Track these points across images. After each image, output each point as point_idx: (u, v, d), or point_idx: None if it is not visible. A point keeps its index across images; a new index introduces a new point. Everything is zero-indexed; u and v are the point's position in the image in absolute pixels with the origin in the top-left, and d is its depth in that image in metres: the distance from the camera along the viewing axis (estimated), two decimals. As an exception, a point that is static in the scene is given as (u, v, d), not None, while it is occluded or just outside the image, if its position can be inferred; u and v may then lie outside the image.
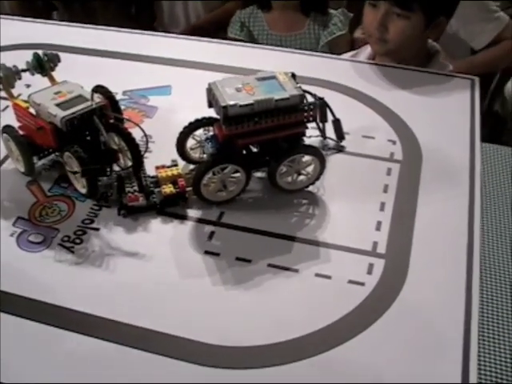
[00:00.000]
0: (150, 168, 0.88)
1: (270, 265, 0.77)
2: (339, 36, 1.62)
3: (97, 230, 0.82)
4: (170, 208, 0.84)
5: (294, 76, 0.81)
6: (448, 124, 1.02)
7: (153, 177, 0.87)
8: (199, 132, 0.88)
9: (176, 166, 0.88)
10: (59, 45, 1.18)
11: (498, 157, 1.18)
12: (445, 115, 1.04)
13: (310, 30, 1.65)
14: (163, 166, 0.88)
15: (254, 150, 0.84)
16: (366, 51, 1.31)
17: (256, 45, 1.39)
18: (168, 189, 0.84)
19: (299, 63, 1.17)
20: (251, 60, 1.17)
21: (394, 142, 0.97)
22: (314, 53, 1.29)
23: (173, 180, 0.85)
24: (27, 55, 0.89)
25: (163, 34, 1.30)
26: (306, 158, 0.84)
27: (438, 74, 1.17)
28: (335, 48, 1.55)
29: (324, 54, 1.28)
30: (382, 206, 0.85)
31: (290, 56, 1.23)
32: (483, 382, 0.79)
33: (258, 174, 0.89)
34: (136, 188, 0.84)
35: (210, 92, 0.79)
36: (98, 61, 1.19)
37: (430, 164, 0.93)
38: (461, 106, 1.06)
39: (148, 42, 1.26)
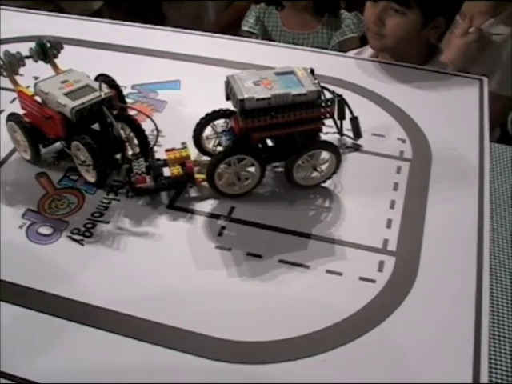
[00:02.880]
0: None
1: (280, 260, 0.77)
2: (350, 38, 1.63)
3: (107, 223, 0.82)
4: (181, 202, 0.84)
5: (312, 72, 0.82)
6: (457, 124, 1.02)
7: (162, 160, 0.86)
8: (217, 122, 0.88)
9: (185, 148, 0.87)
10: (67, 38, 1.17)
11: (506, 157, 1.18)
12: (454, 115, 1.05)
13: (322, 30, 1.67)
14: (173, 149, 0.87)
15: (270, 144, 0.84)
16: (370, 49, 1.31)
17: (266, 41, 1.39)
18: (176, 170, 0.84)
19: (311, 61, 1.15)
20: (261, 56, 1.17)
21: (403, 141, 0.97)
22: (325, 51, 1.29)
23: (181, 162, 0.85)
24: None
25: (172, 28, 1.29)
26: (323, 154, 0.84)
27: (447, 73, 1.17)
28: (345, 49, 1.55)
29: (334, 52, 1.29)
30: (392, 204, 0.85)
31: (302, 54, 1.23)
32: (494, 381, 0.79)
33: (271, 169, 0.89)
34: (143, 170, 0.84)
35: (228, 85, 0.79)
36: (106, 54, 1.18)
37: (440, 163, 0.93)
38: (470, 106, 1.07)
39: (157, 37, 1.26)
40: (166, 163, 0.86)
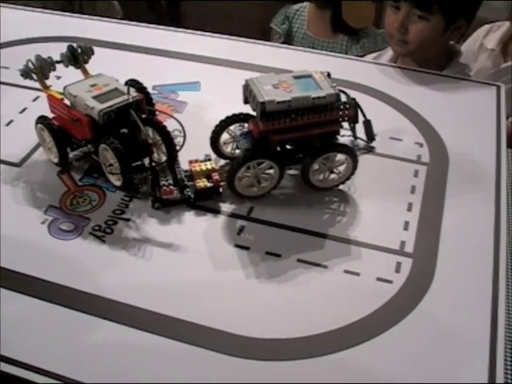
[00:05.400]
0: (182, 162, 0.89)
1: (299, 260, 0.78)
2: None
3: (128, 220, 0.83)
4: (202, 202, 0.85)
5: (329, 75, 0.83)
6: (474, 129, 1.03)
7: (186, 171, 0.88)
8: (233, 127, 0.89)
9: (210, 160, 0.89)
10: (89, 38, 1.19)
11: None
12: (471, 120, 1.05)
13: (343, 42, 1.72)
14: (196, 161, 0.89)
15: (288, 147, 0.85)
16: (389, 53, 1.33)
17: (283, 45, 1.41)
18: (202, 183, 0.85)
19: (327, 65, 1.17)
20: (278, 60, 1.18)
21: (421, 145, 0.98)
22: (342, 55, 1.30)
23: (207, 174, 0.86)
24: (57, 48, 0.90)
25: (192, 30, 1.31)
26: (340, 156, 0.85)
27: (464, 79, 1.18)
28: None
29: (350, 57, 1.30)
30: (410, 207, 0.86)
31: (319, 57, 1.25)
32: (510, 382, 0.80)
33: (290, 172, 0.90)
34: (170, 181, 0.85)
35: (247, 88, 0.80)
36: (127, 55, 1.20)
37: (457, 168, 0.94)
38: (487, 112, 1.07)
39: (177, 39, 1.28)
40: (191, 173, 0.87)
